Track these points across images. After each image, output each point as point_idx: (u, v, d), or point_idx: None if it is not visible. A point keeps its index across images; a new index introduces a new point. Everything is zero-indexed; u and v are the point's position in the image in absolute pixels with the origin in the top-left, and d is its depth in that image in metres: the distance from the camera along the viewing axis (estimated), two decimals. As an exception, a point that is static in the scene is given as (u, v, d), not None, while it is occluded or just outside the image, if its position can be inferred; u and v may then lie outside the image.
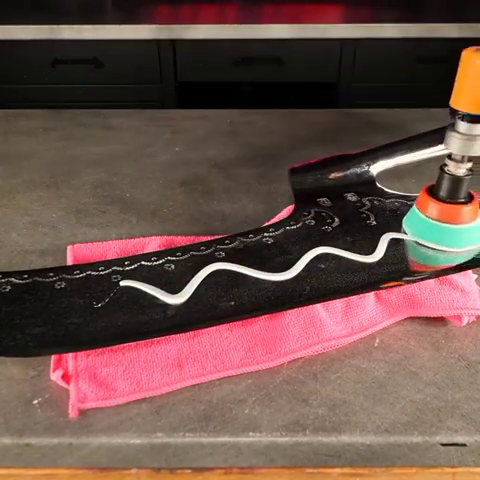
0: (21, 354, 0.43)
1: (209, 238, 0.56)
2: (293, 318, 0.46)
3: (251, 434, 0.39)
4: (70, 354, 0.43)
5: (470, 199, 0.52)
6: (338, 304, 0.48)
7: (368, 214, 0.57)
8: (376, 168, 0.64)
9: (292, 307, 0.46)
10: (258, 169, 0.74)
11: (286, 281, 0.48)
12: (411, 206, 0.58)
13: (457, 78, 0.47)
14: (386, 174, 0.64)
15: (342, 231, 0.55)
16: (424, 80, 1.53)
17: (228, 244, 0.53)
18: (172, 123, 0.87)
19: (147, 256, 0.52)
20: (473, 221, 0.51)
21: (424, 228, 0.52)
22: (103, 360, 0.43)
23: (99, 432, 0.39)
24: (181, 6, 1.68)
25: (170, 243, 0.56)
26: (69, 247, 0.56)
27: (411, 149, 0.63)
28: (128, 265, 0.51)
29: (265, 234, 0.55)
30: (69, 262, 0.54)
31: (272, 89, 1.61)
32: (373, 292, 0.49)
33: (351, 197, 0.61)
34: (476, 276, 0.52)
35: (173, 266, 0.50)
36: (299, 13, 1.62)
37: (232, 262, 0.50)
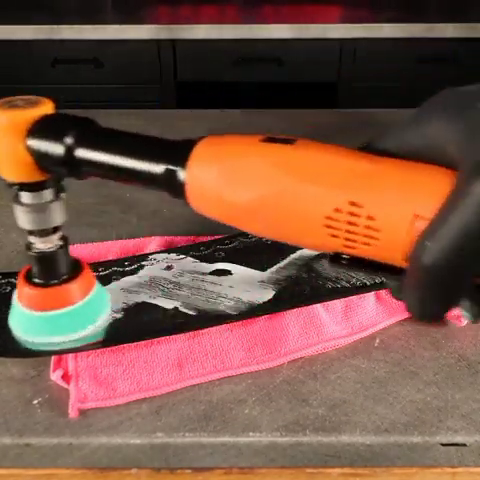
0: (21, 354, 0.43)
1: (209, 238, 0.56)
2: (293, 318, 0.46)
3: (251, 434, 0.39)
4: (70, 354, 0.43)
5: (74, 274, 0.43)
6: (338, 304, 0.48)
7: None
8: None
9: (292, 307, 0.46)
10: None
11: (286, 281, 0.48)
12: None
13: None
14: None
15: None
16: (424, 80, 1.53)
17: (228, 244, 0.53)
18: (172, 123, 0.87)
19: (147, 256, 0.52)
20: (84, 297, 0.43)
21: (29, 322, 0.43)
22: (103, 360, 0.43)
23: (99, 432, 0.39)
24: (181, 6, 1.68)
25: (170, 243, 0.56)
26: (69, 247, 0.56)
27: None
28: (128, 265, 0.51)
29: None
30: (69, 262, 0.54)
31: (272, 89, 1.61)
32: (373, 292, 0.49)
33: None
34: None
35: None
36: (299, 13, 1.62)
37: (232, 262, 0.50)
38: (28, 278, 0.43)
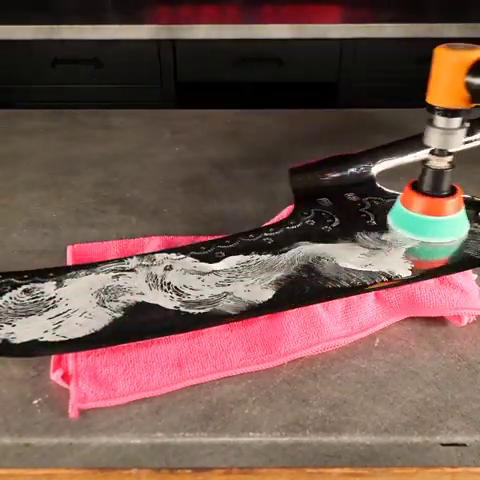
0: (21, 354, 0.43)
1: (209, 238, 0.56)
2: (293, 318, 0.46)
3: (251, 434, 0.39)
4: (70, 354, 0.43)
5: (453, 192, 0.53)
6: (338, 304, 0.48)
7: (368, 214, 0.57)
8: (376, 168, 0.64)
9: (292, 307, 0.46)
10: (258, 169, 0.74)
11: (286, 281, 0.48)
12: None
13: (432, 75, 0.49)
14: (386, 174, 0.64)
15: (342, 231, 0.55)
16: (424, 80, 1.53)
17: (228, 244, 0.53)
18: (172, 123, 0.87)
19: (147, 256, 0.52)
20: (456, 213, 0.53)
21: (408, 221, 0.54)
22: (103, 360, 0.43)
23: (99, 432, 0.39)
24: (181, 6, 1.68)
25: (170, 243, 0.56)
26: (69, 247, 0.56)
27: (411, 149, 0.63)
28: (128, 265, 0.51)
29: (265, 234, 0.55)
30: (69, 262, 0.54)
31: (272, 89, 1.61)
32: (373, 292, 0.49)
33: (351, 197, 0.61)
34: (476, 276, 0.52)
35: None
36: (299, 13, 1.62)
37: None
38: (414, 187, 0.54)
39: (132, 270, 0.50)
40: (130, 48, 1.52)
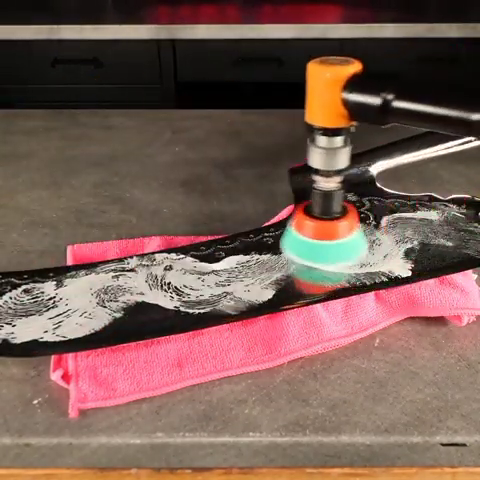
0: (21, 354, 0.43)
1: (209, 238, 0.56)
2: (293, 318, 0.46)
3: (251, 434, 0.39)
4: (70, 354, 0.43)
5: (345, 213, 0.51)
6: (338, 304, 0.48)
7: (368, 214, 0.57)
8: (376, 168, 0.64)
9: (292, 307, 0.46)
10: (258, 169, 0.74)
11: (285, 281, 0.48)
12: (413, 206, 0.58)
13: (307, 92, 0.46)
14: (386, 174, 0.64)
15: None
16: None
17: (228, 244, 0.53)
18: (172, 123, 0.87)
19: (147, 256, 0.52)
20: (349, 235, 0.50)
21: (301, 247, 0.51)
22: (103, 360, 0.43)
23: (99, 432, 0.39)
24: (181, 6, 1.68)
25: (170, 243, 0.56)
26: (69, 247, 0.56)
27: (411, 149, 0.63)
28: (128, 265, 0.51)
29: (265, 234, 0.55)
30: (69, 262, 0.54)
31: (272, 89, 1.61)
32: (373, 292, 0.49)
33: (351, 197, 0.61)
34: (476, 276, 0.52)
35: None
36: (299, 13, 1.62)
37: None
38: (307, 211, 0.51)
39: (132, 270, 0.50)
40: (130, 48, 1.52)
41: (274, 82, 1.59)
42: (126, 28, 1.48)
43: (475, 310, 0.47)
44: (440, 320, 0.48)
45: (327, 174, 0.48)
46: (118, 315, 0.45)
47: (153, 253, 0.53)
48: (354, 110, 0.43)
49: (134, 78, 1.57)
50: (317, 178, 0.49)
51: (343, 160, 0.48)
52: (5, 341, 0.43)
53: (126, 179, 0.72)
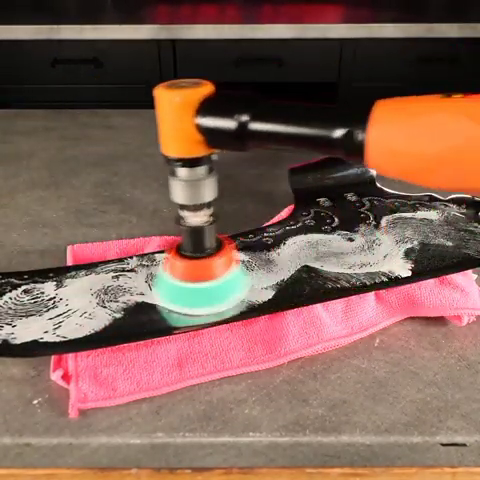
0: (21, 354, 0.43)
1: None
2: (293, 318, 0.46)
3: (251, 434, 0.39)
4: (70, 354, 0.43)
5: (218, 250, 0.46)
6: (338, 304, 0.48)
7: (368, 214, 0.57)
8: (376, 168, 0.64)
9: (292, 307, 0.46)
10: (258, 169, 0.74)
11: (285, 281, 0.48)
12: (413, 205, 0.58)
13: (158, 121, 0.40)
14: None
15: (341, 231, 0.55)
16: (424, 80, 1.53)
17: (228, 244, 0.53)
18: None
19: (147, 256, 0.52)
20: (225, 273, 0.46)
21: (173, 292, 0.46)
22: (103, 360, 0.43)
23: (99, 432, 0.39)
24: (181, 6, 1.68)
25: (170, 243, 0.56)
26: (69, 247, 0.56)
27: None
28: (128, 265, 0.51)
29: (265, 234, 0.55)
30: (69, 262, 0.54)
31: (272, 89, 1.60)
32: (373, 292, 0.49)
33: (351, 197, 0.61)
34: (476, 276, 0.52)
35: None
36: (299, 13, 1.62)
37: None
38: (178, 250, 0.46)
39: (132, 270, 0.50)
40: (130, 48, 1.52)
41: (274, 82, 1.59)
42: (126, 28, 1.48)
43: (475, 310, 0.47)
44: (440, 320, 0.48)
45: (194, 208, 0.43)
46: (118, 315, 0.45)
47: (153, 253, 0.53)
48: (209, 136, 0.39)
49: (134, 78, 1.56)
50: (183, 214, 0.44)
51: (209, 192, 0.43)
52: (5, 341, 0.43)
53: (126, 179, 0.72)
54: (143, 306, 0.46)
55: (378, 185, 0.63)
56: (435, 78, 1.51)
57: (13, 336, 0.43)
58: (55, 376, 0.42)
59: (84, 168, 0.74)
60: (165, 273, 0.47)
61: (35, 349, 0.43)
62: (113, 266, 0.51)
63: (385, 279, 0.48)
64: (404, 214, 0.57)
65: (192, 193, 0.42)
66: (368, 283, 0.48)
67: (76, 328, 0.44)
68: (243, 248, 0.53)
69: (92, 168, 0.74)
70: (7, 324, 0.44)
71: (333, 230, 0.55)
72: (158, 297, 0.47)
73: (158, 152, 0.84)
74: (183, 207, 0.44)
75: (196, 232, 0.44)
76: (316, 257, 0.51)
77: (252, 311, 0.46)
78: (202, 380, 0.42)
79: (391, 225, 0.56)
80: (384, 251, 0.52)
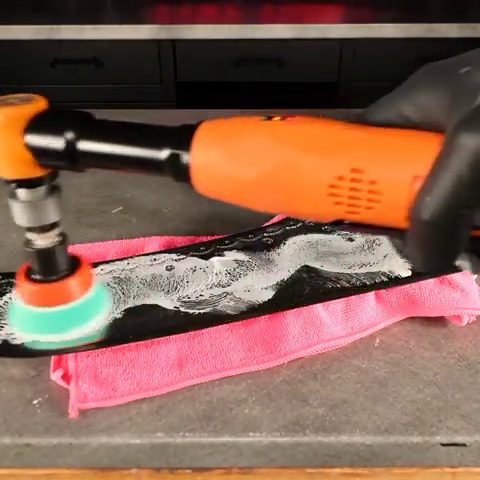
0: (21, 354, 0.43)
1: (209, 238, 0.56)
2: (293, 318, 0.46)
3: (251, 434, 0.39)
4: (70, 354, 0.43)
5: (72, 270, 0.43)
6: (338, 304, 0.48)
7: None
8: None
9: (292, 307, 0.46)
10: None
11: (285, 281, 0.48)
12: None
13: None
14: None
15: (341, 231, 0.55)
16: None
17: (228, 244, 0.53)
18: (172, 123, 0.87)
19: (147, 256, 0.52)
20: (83, 293, 0.44)
21: (28, 319, 0.43)
22: (103, 360, 0.43)
23: (99, 432, 0.39)
24: (181, 6, 1.68)
25: (170, 243, 0.56)
26: (69, 247, 0.56)
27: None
28: (128, 265, 0.51)
29: (265, 234, 0.55)
30: (69, 262, 0.54)
31: (272, 89, 1.61)
32: (373, 292, 0.49)
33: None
34: (476, 276, 0.52)
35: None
36: (299, 13, 1.62)
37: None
38: (28, 274, 0.43)
39: (132, 270, 0.50)
40: (130, 48, 1.52)
41: (274, 82, 1.59)
42: (126, 28, 1.48)
43: (475, 310, 0.47)
44: (440, 320, 0.48)
45: (40, 230, 0.41)
46: (118, 315, 0.45)
47: (153, 253, 0.53)
48: (39, 155, 0.36)
49: (134, 78, 1.57)
50: (30, 236, 0.41)
51: (53, 212, 0.40)
52: (5, 342, 0.43)
53: (126, 179, 0.72)
54: (143, 306, 0.46)
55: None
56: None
57: (13, 336, 0.43)
58: (55, 376, 0.42)
59: (84, 168, 0.74)
60: (17, 299, 0.44)
61: (35, 349, 0.43)
62: (113, 266, 0.51)
63: (385, 279, 0.48)
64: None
65: (35, 215, 0.40)
66: (368, 283, 0.48)
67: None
68: (243, 248, 0.53)
69: (92, 168, 0.74)
70: (7, 324, 0.44)
71: (333, 230, 0.55)
72: (12, 327, 0.44)
73: (158, 152, 0.83)
74: (29, 229, 0.41)
75: (46, 254, 0.42)
76: (316, 257, 0.51)
77: (252, 311, 0.46)
78: (202, 380, 0.42)
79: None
80: (384, 251, 0.52)
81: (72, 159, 0.36)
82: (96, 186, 0.70)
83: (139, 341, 0.44)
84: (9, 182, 0.39)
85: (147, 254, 0.53)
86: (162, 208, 0.65)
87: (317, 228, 0.56)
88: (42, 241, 0.41)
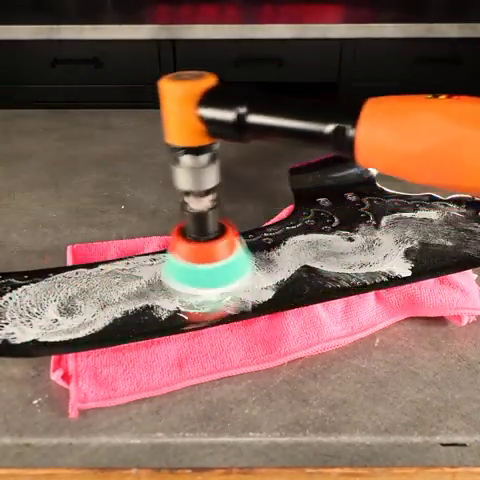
0: (21, 354, 0.43)
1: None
2: (293, 318, 0.46)
3: (251, 434, 0.39)
4: (70, 354, 0.43)
5: (222, 234, 0.48)
6: (338, 304, 0.48)
7: (368, 214, 0.57)
8: (376, 168, 0.64)
9: (292, 307, 0.46)
10: (258, 169, 0.74)
11: (285, 281, 0.48)
12: (413, 205, 0.58)
13: (164, 112, 0.42)
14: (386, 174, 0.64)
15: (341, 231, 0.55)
16: (424, 80, 1.53)
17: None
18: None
19: (147, 256, 0.52)
20: (228, 256, 0.47)
21: (180, 272, 0.48)
22: (103, 360, 0.43)
23: (99, 432, 0.39)
24: (181, 6, 1.68)
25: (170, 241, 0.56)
26: (69, 247, 0.56)
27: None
28: (128, 265, 0.51)
29: (265, 234, 0.55)
30: (69, 262, 0.54)
31: (272, 89, 1.60)
32: (373, 292, 0.49)
33: (351, 197, 0.61)
34: (476, 276, 0.52)
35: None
36: (299, 13, 1.62)
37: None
38: (182, 233, 0.48)
39: (132, 270, 0.50)
40: (130, 48, 1.52)
41: (274, 82, 1.59)
42: (126, 28, 1.48)
43: (475, 310, 0.47)
44: (440, 320, 0.48)
45: (196, 194, 0.45)
46: (118, 315, 0.45)
47: (153, 253, 0.53)
48: (210, 127, 0.41)
49: (134, 78, 1.56)
50: (187, 199, 0.46)
51: (211, 179, 0.45)
52: (5, 341, 0.43)
53: (126, 179, 0.72)
54: (143, 306, 0.46)
55: (378, 185, 0.63)
56: (435, 78, 1.51)
57: (13, 336, 0.43)
58: (55, 376, 0.42)
59: (84, 168, 0.74)
60: (171, 254, 0.48)
61: (35, 349, 0.43)
62: (113, 266, 0.51)
63: (385, 279, 0.48)
64: (404, 214, 0.57)
65: (195, 180, 0.44)
66: (368, 283, 0.48)
67: (76, 328, 0.44)
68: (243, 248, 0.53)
69: (92, 168, 0.74)
70: (7, 324, 0.44)
71: (333, 230, 0.55)
72: (165, 278, 0.49)
73: (158, 152, 0.85)
74: (187, 193, 0.45)
75: (200, 217, 0.46)
76: (316, 257, 0.51)
77: (252, 311, 0.46)
78: (202, 380, 0.42)
79: (391, 225, 0.56)
80: (384, 251, 0.52)
81: (241, 131, 0.40)
82: (96, 186, 0.70)
83: (139, 341, 0.44)
84: (177, 149, 0.43)
85: (147, 254, 0.53)
86: (162, 208, 0.65)
87: (317, 228, 0.56)
88: (197, 205, 0.46)
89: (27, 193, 0.68)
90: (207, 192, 0.45)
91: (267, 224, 0.57)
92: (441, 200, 0.60)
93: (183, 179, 0.44)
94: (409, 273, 0.49)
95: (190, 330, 0.45)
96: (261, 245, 0.53)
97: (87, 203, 0.66)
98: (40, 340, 0.43)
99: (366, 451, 0.39)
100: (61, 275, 0.50)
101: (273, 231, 0.55)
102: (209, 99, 0.40)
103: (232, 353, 0.44)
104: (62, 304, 0.46)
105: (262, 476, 0.43)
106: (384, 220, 0.57)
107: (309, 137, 0.38)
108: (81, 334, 0.43)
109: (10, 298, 0.47)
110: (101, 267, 0.51)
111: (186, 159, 0.43)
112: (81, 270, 0.50)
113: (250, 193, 0.68)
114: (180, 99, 0.41)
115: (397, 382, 0.43)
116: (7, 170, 0.74)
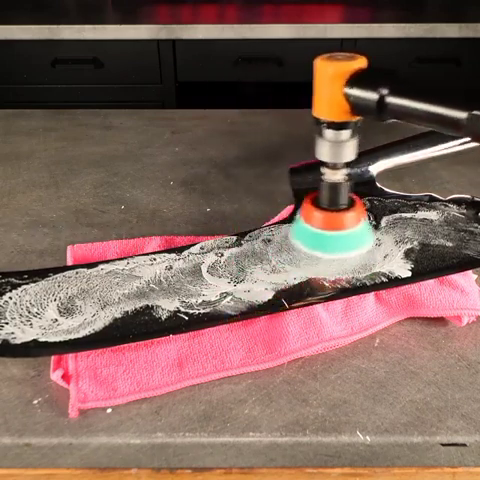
0: (21, 354, 0.43)
1: (209, 238, 0.56)
2: (293, 318, 0.46)
3: (251, 434, 0.39)
4: (70, 354, 0.43)
5: (351, 204, 0.52)
6: (338, 304, 0.48)
7: (368, 214, 0.57)
8: (376, 168, 0.64)
9: (292, 307, 0.46)
10: (258, 169, 0.74)
11: (286, 281, 0.48)
12: (413, 206, 0.58)
13: (314, 87, 0.47)
14: (386, 174, 0.64)
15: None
16: (424, 80, 1.53)
17: (228, 244, 0.53)
18: (172, 123, 0.87)
19: (147, 256, 0.52)
20: (356, 226, 0.52)
21: (310, 237, 0.52)
22: (103, 360, 0.43)
23: (99, 432, 0.39)
24: (181, 6, 1.68)
25: (170, 243, 0.56)
26: (69, 247, 0.56)
27: (411, 149, 0.63)
28: (128, 265, 0.51)
29: (265, 234, 0.55)
30: (69, 262, 0.54)
31: (272, 89, 1.61)
32: (373, 292, 0.49)
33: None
34: (476, 276, 0.52)
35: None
36: (299, 13, 1.62)
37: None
38: (315, 202, 0.52)
39: (132, 270, 0.50)
40: (130, 48, 1.52)
41: (274, 82, 1.59)
42: (126, 28, 1.48)
43: (475, 310, 0.47)
44: (440, 320, 0.48)
45: (334, 166, 0.50)
46: (118, 315, 0.45)
47: (153, 253, 0.53)
48: (354, 105, 0.45)
49: (134, 78, 1.56)
50: (324, 170, 0.50)
51: (349, 153, 0.49)
52: (5, 341, 0.43)
53: (126, 179, 0.72)
54: (143, 306, 0.46)
55: (378, 185, 0.63)
56: (434, 78, 1.51)
57: (13, 336, 0.43)
58: (55, 376, 0.42)
59: (84, 168, 0.74)
60: (302, 221, 0.52)
61: (35, 349, 0.43)
62: (113, 266, 0.51)
63: (385, 279, 0.48)
64: (404, 214, 0.57)
65: (334, 152, 0.48)
66: (368, 283, 0.48)
67: (76, 328, 0.44)
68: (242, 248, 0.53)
69: (92, 168, 0.74)
70: (7, 324, 0.44)
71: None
72: (296, 242, 0.52)
73: (158, 152, 0.85)
74: (324, 164, 0.50)
75: (333, 188, 0.50)
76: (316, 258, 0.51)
77: (252, 311, 0.46)
78: (202, 380, 0.42)
79: (391, 225, 0.56)
80: (384, 251, 0.52)
81: (380, 111, 0.43)
82: (96, 186, 0.70)
83: (139, 341, 0.44)
84: (321, 123, 0.47)
85: (147, 254, 0.53)
86: (162, 208, 0.65)
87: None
88: (333, 176, 0.50)
89: (27, 193, 0.68)
90: (343, 165, 0.49)
91: (267, 224, 0.57)
92: (441, 200, 0.60)
93: (323, 150, 0.49)
94: (409, 274, 0.49)
95: (190, 330, 0.45)
96: (261, 245, 0.53)
97: (87, 203, 0.66)
98: (40, 340, 0.43)
99: (366, 451, 0.39)
100: (61, 275, 0.49)
101: (273, 231, 0.55)
102: (356, 80, 0.44)
103: (232, 353, 0.44)
104: (62, 304, 0.46)
105: (262, 476, 0.43)
106: (384, 220, 0.56)
107: (444, 122, 0.40)
108: (81, 334, 0.43)
109: (10, 298, 0.47)
110: (101, 267, 0.51)
111: (328, 132, 0.47)
112: (81, 270, 0.50)
113: (250, 193, 0.68)
114: (331, 77, 0.45)
115: (397, 382, 0.43)
116: (7, 170, 0.74)
